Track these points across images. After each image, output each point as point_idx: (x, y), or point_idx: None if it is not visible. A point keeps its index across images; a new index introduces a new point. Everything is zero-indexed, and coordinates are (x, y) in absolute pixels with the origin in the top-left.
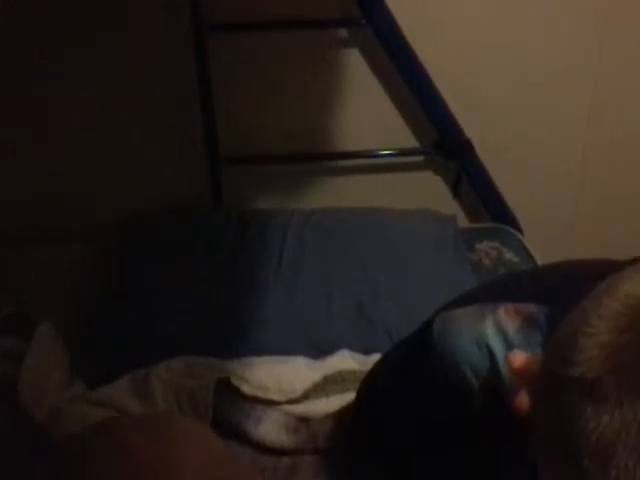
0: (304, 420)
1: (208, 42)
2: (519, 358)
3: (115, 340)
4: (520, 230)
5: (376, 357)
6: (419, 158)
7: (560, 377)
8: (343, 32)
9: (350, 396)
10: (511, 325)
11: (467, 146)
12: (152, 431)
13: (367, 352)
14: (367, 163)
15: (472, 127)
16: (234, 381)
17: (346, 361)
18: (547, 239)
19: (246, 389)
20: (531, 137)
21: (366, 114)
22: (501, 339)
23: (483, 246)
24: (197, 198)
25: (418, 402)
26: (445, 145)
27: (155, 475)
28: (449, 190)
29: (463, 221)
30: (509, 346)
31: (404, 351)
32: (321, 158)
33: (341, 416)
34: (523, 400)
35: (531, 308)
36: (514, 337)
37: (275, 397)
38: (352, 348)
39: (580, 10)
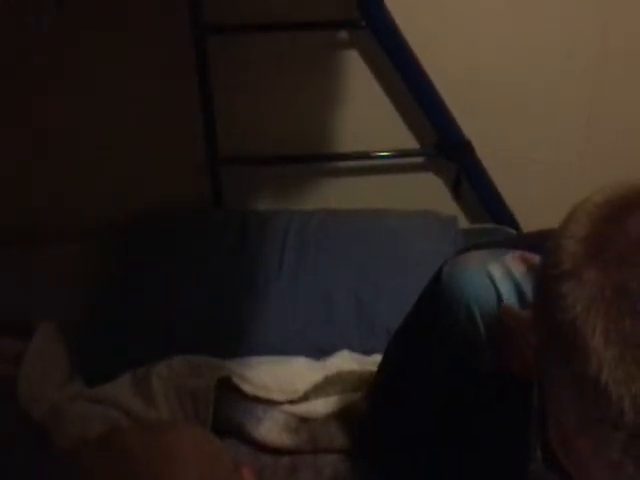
0: (304, 420)
1: (208, 43)
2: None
3: (115, 341)
4: (520, 230)
5: (377, 357)
6: (419, 159)
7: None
8: (343, 34)
9: (350, 396)
10: (517, 270)
11: (467, 147)
12: (153, 445)
13: (367, 353)
14: (367, 164)
15: (472, 128)
16: (235, 380)
17: (346, 361)
18: None
19: (247, 389)
20: (531, 138)
21: (366, 115)
22: (508, 280)
23: None
24: (197, 199)
25: (431, 364)
26: (445, 146)
27: None
28: (449, 191)
29: (463, 222)
30: (516, 286)
31: (413, 308)
32: (321, 159)
33: (341, 417)
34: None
35: (537, 258)
36: (520, 279)
37: (276, 397)
38: (352, 349)
39: (580, 7)
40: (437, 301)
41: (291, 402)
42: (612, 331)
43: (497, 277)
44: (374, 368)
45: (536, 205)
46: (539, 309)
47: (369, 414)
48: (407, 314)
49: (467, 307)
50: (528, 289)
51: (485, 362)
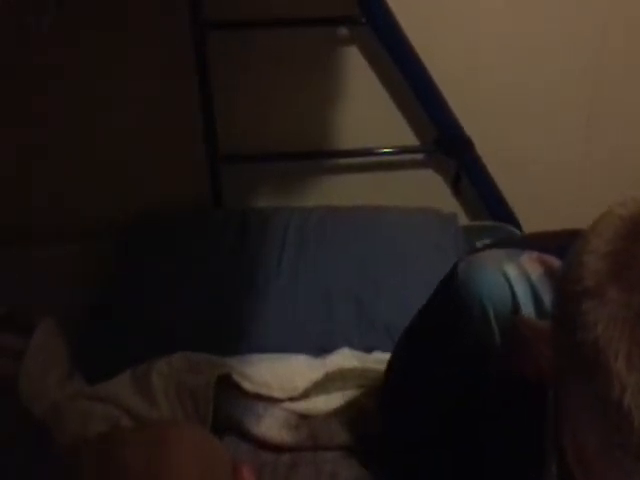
0: (305, 417)
1: (208, 40)
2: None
3: (115, 341)
4: (520, 228)
5: (377, 355)
6: (419, 156)
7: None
8: (343, 30)
9: (351, 393)
10: (533, 271)
11: (467, 144)
12: (153, 444)
13: (368, 350)
14: (367, 161)
15: (472, 125)
16: (235, 378)
17: (347, 359)
18: None
19: (247, 386)
20: (531, 135)
21: (366, 112)
22: (524, 280)
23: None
24: (197, 197)
25: (440, 365)
26: (445, 143)
27: None
28: (449, 188)
29: (463, 219)
30: (532, 287)
31: (424, 307)
32: (321, 156)
33: (341, 414)
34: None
35: (554, 260)
36: (536, 281)
37: (276, 394)
38: (352, 346)
39: (580, 7)
40: (451, 298)
41: (291, 399)
42: (635, 355)
43: (512, 277)
44: (375, 365)
45: (536, 204)
46: (558, 323)
47: (379, 414)
48: (417, 313)
49: (481, 303)
50: (544, 292)
51: (496, 365)
